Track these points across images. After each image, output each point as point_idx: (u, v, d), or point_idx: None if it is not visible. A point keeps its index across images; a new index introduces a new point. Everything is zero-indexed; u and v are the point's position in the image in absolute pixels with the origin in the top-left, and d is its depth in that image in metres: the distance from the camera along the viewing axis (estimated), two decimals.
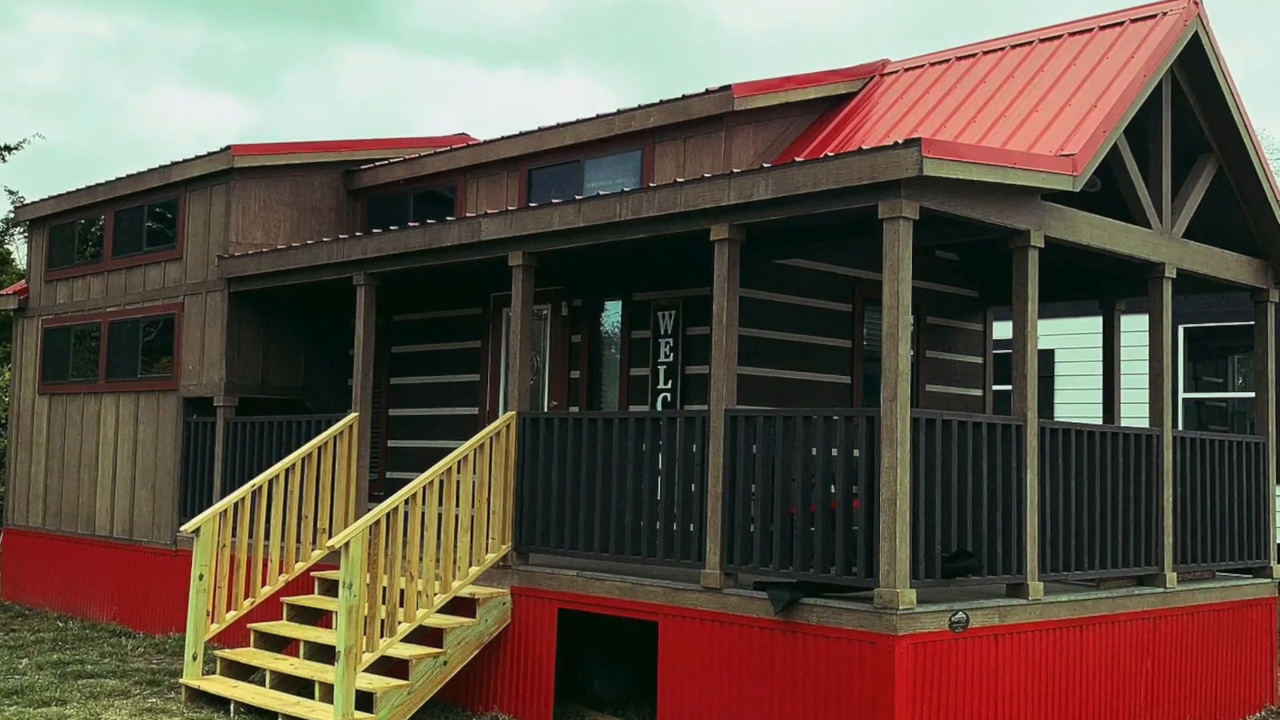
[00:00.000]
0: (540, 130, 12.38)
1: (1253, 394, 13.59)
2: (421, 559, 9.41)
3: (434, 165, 13.37)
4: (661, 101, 11.39)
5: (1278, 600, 11.01)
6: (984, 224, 8.52)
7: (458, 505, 9.69)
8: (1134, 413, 13.44)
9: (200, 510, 12.54)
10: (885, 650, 7.64)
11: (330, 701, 8.98)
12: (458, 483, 9.68)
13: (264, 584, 10.94)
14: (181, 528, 10.66)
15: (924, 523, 7.97)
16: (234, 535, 10.81)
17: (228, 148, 13.24)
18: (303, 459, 11.21)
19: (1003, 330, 14.34)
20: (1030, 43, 11.14)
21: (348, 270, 11.69)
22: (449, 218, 10.84)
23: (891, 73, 12.14)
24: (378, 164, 13.94)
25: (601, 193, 9.62)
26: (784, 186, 8.32)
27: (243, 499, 10.80)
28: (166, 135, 61.42)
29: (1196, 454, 10.35)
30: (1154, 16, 10.29)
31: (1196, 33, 10.24)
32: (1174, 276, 10.18)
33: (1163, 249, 10.09)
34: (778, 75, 11.47)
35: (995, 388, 13.41)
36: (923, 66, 11.89)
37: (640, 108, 11.55)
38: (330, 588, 10.76)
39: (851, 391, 11.56)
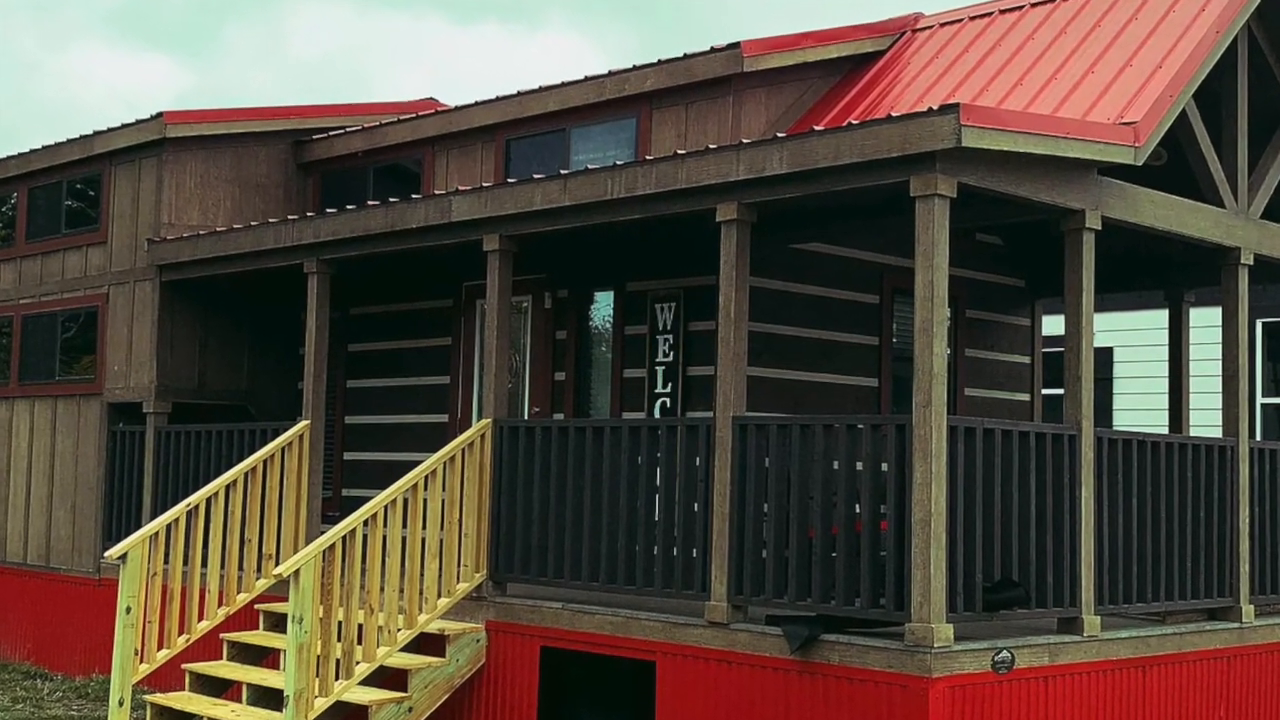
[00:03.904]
0: (520, 95, 12.37)
1: None
2: (383, 589, 9.40)
3: (397, 135, 13.35)
4: (660, 62, 11.39)
5: None
6: (1032, 203, 8.52)
7: (425, 527, 9.68)
8: (1205, 420, 13.43)
9: (128, 533, 12.50)
10: (918, 694, 7.63)
11: None
12: (425, 501, 9.67)
13: (201, 618, 10.93)
14: (106, 553, 10.64)
15: (963, 547, 7.97)
16: (166, 562, 10.80)
17: (159, 115, 13.22)
18: (246, 474, 11.20)
19: (1054, 325, 14.32)
20: None
21: (298, 256, 11.68)
22: (414, 195, 10.83)
23: (925, 28, 12.15)
24: (332, 134, 13.92)
25: (590, 167, 9.62)
26: (801, 159, 8.31)
27: (176, 520, 10.78)
28: (89, 100, 61.34)
29: (1278, 468, 10.35)
30: None
31: None
32: (1251, 263, 10.18)
33: (1238, 231, 10.09)
34: (794, 31, 11.48)
35: (1045, 391, 13.42)
36: (961, 21, 11.89)
37: (635, 69, 11.54)
38: (278, 622, 10.75)
39: (879, 396, 11.56)
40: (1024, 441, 8.37)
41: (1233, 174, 10.16)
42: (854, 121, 8.27)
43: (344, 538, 9.09)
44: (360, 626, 9.30)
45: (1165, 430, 12.83)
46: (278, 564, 11.07)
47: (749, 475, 8.58)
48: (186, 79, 65.12)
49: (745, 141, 8.68)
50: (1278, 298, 16.18)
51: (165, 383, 13.14)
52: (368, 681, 9.38)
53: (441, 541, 9.78)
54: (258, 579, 11.22)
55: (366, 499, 9.79)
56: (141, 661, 10.38)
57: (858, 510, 8.12)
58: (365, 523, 9.27)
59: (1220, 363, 10.17)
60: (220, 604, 11.01)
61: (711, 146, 8.86)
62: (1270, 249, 10.40)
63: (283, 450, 11.41)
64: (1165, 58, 9.64)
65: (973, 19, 11.82)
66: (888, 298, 11.64)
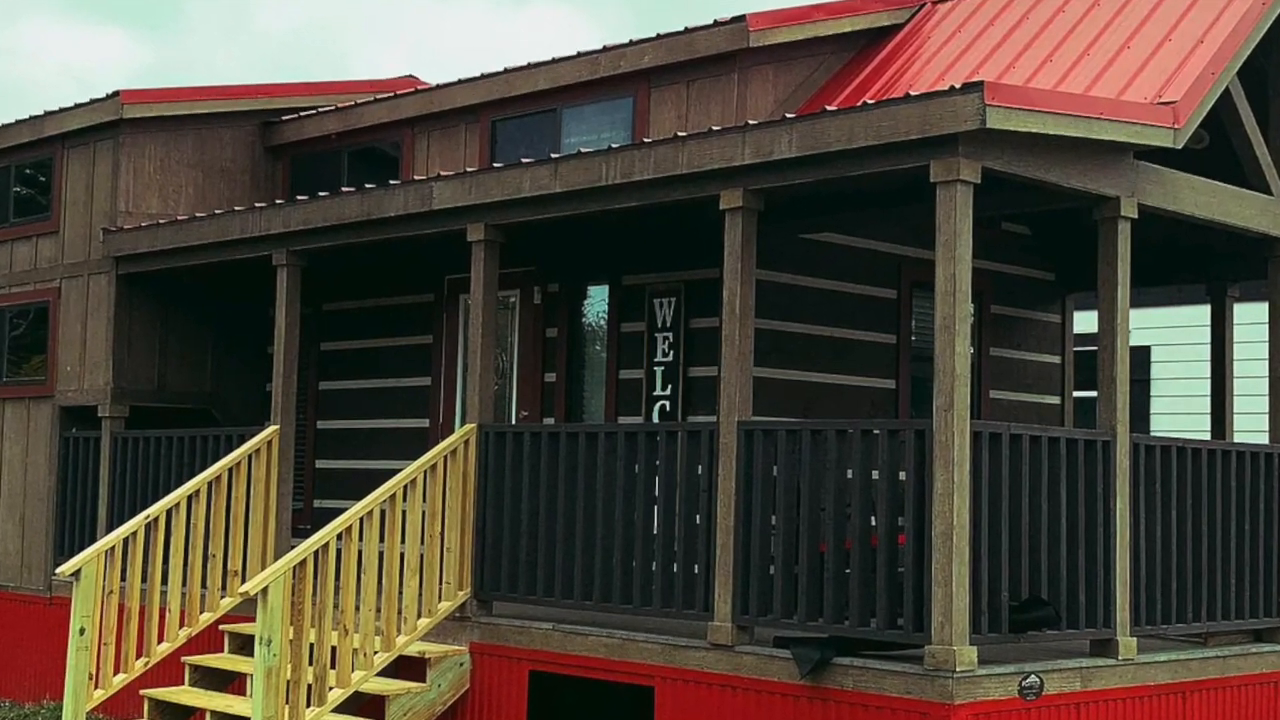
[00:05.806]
0: (507, 72, 12.37)
1: None
2: (359, 609, 9.40)
3: (374, 115, 13.36)
4: (659, 36, 11.39)
5: None
6: (1062, 189, 8.52)
7: (404, 541, 9.68)
8: (1250, 425, 13.43)
9: (81, 548, 12.49)
10: None
11: None
12: (404, 513, 9.66)
13: (161, 640, 10.93)
14: (58, 570, 10.65)
15: (987, 563, 7.96)
16: (123, 579, 10.80)
17: (115, 94, 13.22)
18: (209, 484, 11.20)
19: (1086, 322, 14.31)
20: None
21: (266, 247, 11.68)
22: (393, 181, 10.83)
23: (946, 0, 12.14)
24: (303, 115, 13.92)
25: (584, 150, 9.61)
26: (812, 142, 8.31)
27: (134, 534, 10.79)
28: (39, 78, 61.45)
29: None
30: None
31: None
32: None
33: None
34: (803, 4, 11.47)
35: (1076, 394, 13.43)
36: None
37: (632, 44, 11.55)
38: (244, 644, 10.75)
39: (897, 399, 11.57)
40: (1054, 448, 8.37)
41: None
42: (869, 101, 8.27)
43: (316, 553, 9.09)
44: (334, 649, 9.30)
45: (1207, 436, 12.83)
46: (244, 581, 11.08)
47: (755, 485, 8.58)
48: (145, 55, 65.23)
49: (751, 123, 8.68)
50: None
51: (122, 384, 13.12)
52: (342, 709, 9.38)
53: (422, 557, 9.78)
54: (222, 598, 11.22)
55: (340, 510, 9.78)
56: (96, 687, 10.38)
57: (873, 523, 8.12)
58: (339, 536, 9.27)
59: (1267, 363, 10.17)
60: (182, 625, 11.00)
61: (715, 128, 8.86)
62: None
63: (250, 457, 11.41)
64: (1207, 32, 9.64)
65: None
66: (906, 292, 11.64)
